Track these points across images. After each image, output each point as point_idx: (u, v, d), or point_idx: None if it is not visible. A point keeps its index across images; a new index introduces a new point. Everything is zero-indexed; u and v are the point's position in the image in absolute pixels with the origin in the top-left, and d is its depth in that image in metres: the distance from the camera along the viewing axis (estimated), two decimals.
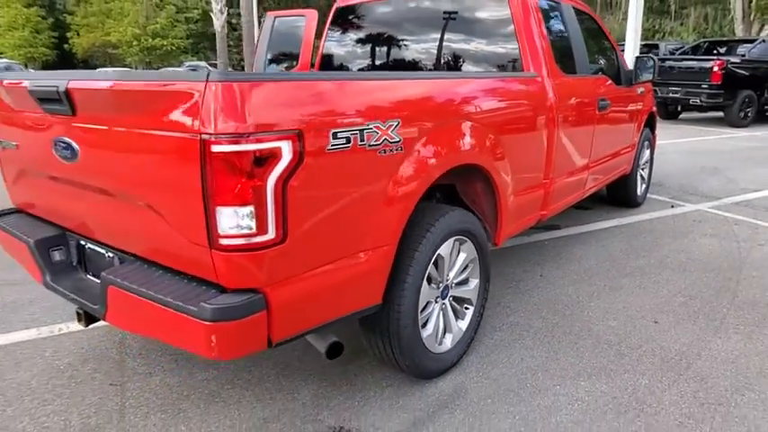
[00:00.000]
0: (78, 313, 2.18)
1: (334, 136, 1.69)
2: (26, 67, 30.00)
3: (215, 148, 1.45)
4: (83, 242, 2.17)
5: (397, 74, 2.80)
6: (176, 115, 1.52)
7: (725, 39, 16.87)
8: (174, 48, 37.64)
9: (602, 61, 4.11)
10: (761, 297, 3.29)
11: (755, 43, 11.85)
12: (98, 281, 2.09)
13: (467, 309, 2.60)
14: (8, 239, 2.37)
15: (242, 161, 1.47)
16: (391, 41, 3.60)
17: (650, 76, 4.27)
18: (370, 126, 1.82)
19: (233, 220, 1.51)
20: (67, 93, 1.78)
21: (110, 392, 2.41)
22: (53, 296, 3.26)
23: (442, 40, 3.35)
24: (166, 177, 1.60)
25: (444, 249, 2.30)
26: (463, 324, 2.57)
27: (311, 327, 1.81)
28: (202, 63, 34.22)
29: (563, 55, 3.33)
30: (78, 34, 38.41)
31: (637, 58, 4.27)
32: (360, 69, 3.76)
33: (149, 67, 37.52)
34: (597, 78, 3.82)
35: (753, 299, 3.26)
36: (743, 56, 11.43)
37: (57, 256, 2.21)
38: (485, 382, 2.44)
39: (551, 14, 3.33)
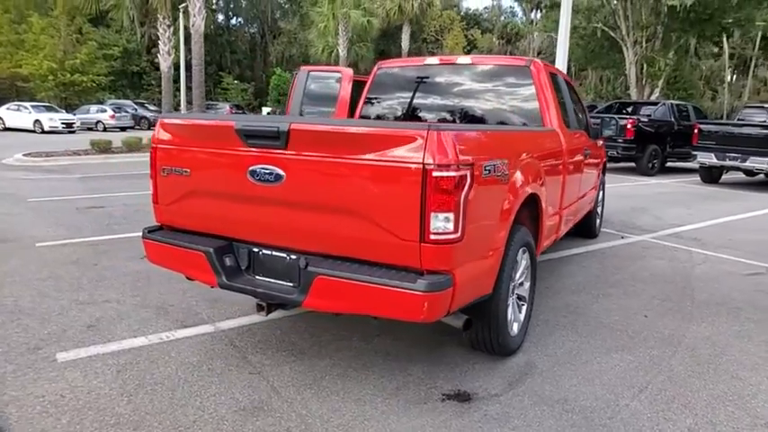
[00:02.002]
0: (260, 305, 2.72)
1: (484, 168, 2.47)
2: None
3: (435, 174, 2.18)
4: (255, 249, 2.74)
5: (503, 127, 3.67)
6: (403, 151, 2.23)
7: (632, 101, 19.49)
8: (93, 84, 36.48)
9: (579, 118, 5.18)
10: (711, 299, 4.35)
11: (658, 106, 14.07)
12: (270, 279, 2.68)
13: (522, 305, 3.38)
14: (173, 250, 2.87)
15: (448, 183, 2.21)
16: (430, 100, 4.43)
17: (611, 132, 5.41)
18: (497, 162, 2.61)
19: (439, 223, 2.23)
20: (288, 132, 2.42)
21: (253, 379, 2.92)
22: (135, 312, 3.66)
23: (477, 100, 4.23)
24: (388, 193, 2.28)
25: (518, 256, 3.10)
26: (521, 316, 3.34)
27: (464, 303, 2.52)
28: (127, 102, 33.48)
29: (563, 114, 4.31)
30: None
31: (601, 118, 5.40)
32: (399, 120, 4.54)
33: (65, 104, 36.01)
34: (581, 132, 4.87)
35: (706, 300, 4.32)
36: (649, 116, 13.52)
37: (227, 261, 2.75)
38: (545, 357, 3.21)
39: (555, 84, 4.33)
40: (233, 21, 53.30)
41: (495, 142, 2.71)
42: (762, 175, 11.69)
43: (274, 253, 2.69)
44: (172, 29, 17.53)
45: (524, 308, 3.37)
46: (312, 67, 5.39)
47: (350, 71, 5.08)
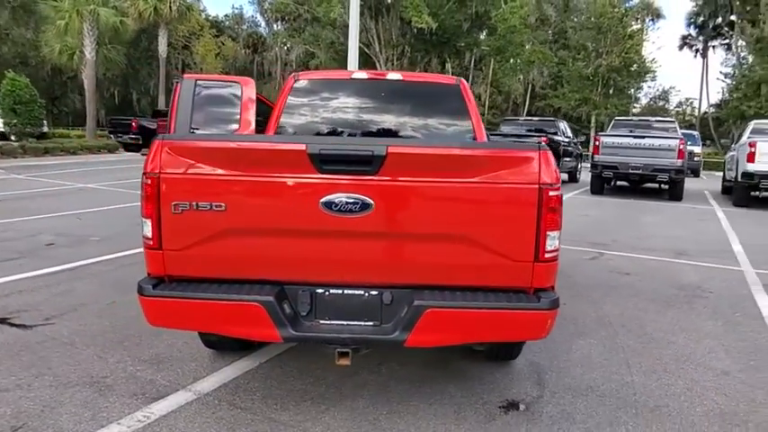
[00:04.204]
0: (343, 353, 2.35)
1: None
2: None
3: (550, 193, 2.25)
4: (320, 290, 2.38)
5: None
6: (518, 171, 2.25)
7: None
8: None
9: None
10: (588, 282, 5.27)
11: None
12: (340, 322, 2.40)
13: None
14: (208, 306, 2.30)
15: (557, 201, 2.31)
16: (358, 115, 4.33)
17: None
18: None
19: (551, 241, 2.31)
20: (385, 156, 2.19)
21: None
22: (63, 395, 2.96)
23: (410, 117, 4.29)
24: (501, 215, 2.26)
25: None
26: None
27: None
28: None
29: None
30: None
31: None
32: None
33: None
34: None
35: (587, 284, 5.22)
36: None
37: (287, 308, 2.34)
38: (536, 353, 3.52)
39: None
40: None
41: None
42: None
43: (346, 291, 2.39)
44: None
45: None
46: (199, 76, 4.72)
47: (251, 81, 4.61)
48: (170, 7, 26.45)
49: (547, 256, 2.32)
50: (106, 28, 22.58)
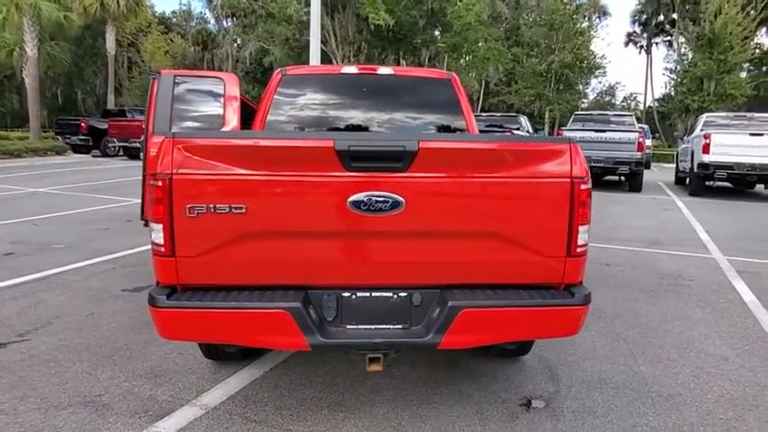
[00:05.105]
0: (374, 359, 2.25)
1: None
2: None
3: (582, 187, 2.22)
4: (346, 293, 2.27)
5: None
6: (550, 165, 2.20)
7: None
8: None
9: None
10: None
11: None
12: (368, 326, 2.30)
13: None
14: (229, 316, 2.15)
15: (587, 195, 2.28)
16: (349, 111, 4.21)
17: None
18: None
19: (582, 236, 2.28)
20: (416, 152, 2.10)
21: None
22: (56, 417, 2.78)
23: (403, 112, 4.21)
24: (533, 210, 2.20)
25: None
26: None
27: None
28: None
29: None
30: None
31: None
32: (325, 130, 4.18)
33: None
34: None
35: None
36: None
37: (313, 314, 2.22)
38: (543, 348, 3.50)
39: None
40: None
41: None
42: None
43: (374, 294, 2.28)
44: None
45: None
46: (178, 72, 4.47)
47: (234, 77, 4.40)
48: (117, 2, 25.31)
49: (578, 250, 2.29)
50: (49, 23, 21.39)
